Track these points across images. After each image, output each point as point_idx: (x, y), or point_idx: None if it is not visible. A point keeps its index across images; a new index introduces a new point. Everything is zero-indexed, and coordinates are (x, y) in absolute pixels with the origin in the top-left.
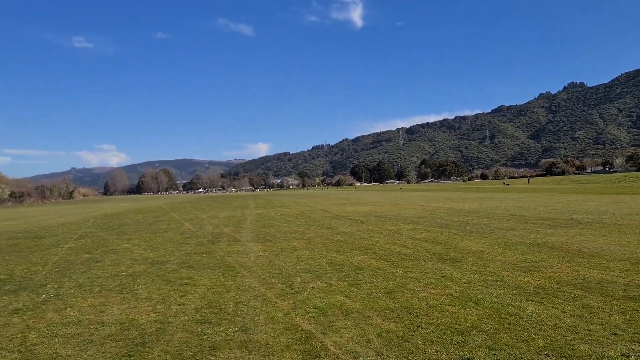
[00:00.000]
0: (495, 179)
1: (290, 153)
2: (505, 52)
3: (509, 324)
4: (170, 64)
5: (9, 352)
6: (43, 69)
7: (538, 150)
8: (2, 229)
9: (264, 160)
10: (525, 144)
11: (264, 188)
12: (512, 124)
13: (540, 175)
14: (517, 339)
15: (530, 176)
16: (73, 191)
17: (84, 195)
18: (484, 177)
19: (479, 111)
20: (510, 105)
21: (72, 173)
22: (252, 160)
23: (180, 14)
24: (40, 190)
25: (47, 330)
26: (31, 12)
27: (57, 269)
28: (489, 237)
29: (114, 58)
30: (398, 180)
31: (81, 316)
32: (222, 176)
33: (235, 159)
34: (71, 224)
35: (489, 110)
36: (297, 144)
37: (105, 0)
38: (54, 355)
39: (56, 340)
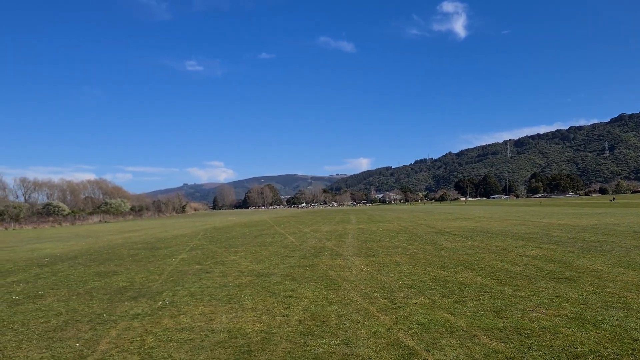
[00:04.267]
0: (617, 193)
1: (392, 167)
2: (625, 55)
3: (633, 350)
4: (273, 82)
5: (129, 353)
6: (159, 93)
7: None
8: (124, 240)
9: (366, 175)
10: None
11: (366, 203)
12: (634, 133)
13: None
14: None
15: None
16: (185, 206)
17: (195, 210)
18: (602, 191)
19: (596, 120)
20: (632, 114)
21: (184, 189)
22: (354, 175)
23: (283, 34)
24: (156, 204)
25: (163, 334)
26: (151, 40)
27: (171, 278)
28: (609, 255)
29: (222, 79)
30: (505, 195)
31: (193, 323)
32: (324, 191)
33: (337, 174)
34: (184, 237)
35: (608, 120)
36: (399, 158)
37: (214, 24)
38: (169, 359)
39: (171, 344)
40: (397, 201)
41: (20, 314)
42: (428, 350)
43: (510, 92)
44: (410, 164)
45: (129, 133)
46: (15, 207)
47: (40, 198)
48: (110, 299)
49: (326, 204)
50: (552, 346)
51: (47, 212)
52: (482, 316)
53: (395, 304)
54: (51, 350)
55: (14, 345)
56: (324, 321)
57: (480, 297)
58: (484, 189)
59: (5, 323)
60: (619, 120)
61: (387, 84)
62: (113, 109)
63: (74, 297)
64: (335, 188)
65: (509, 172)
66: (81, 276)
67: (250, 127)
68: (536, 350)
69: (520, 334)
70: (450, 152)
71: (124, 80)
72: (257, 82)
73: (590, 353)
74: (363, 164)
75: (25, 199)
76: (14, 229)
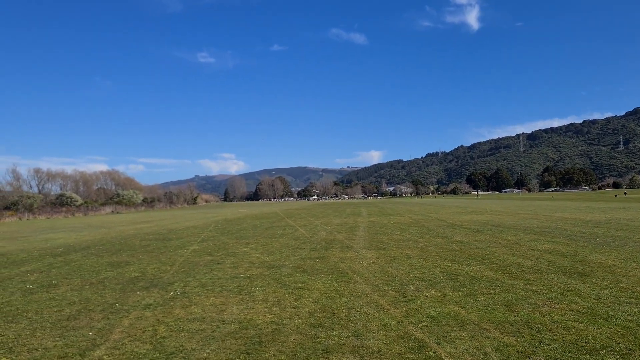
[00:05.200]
0: (631, 187)
1: (404, 160)
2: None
3: None
4: (285, 75)
5: (142, 342)
6: (171, 84)
7: None
8: (137, 231)
9: (377, 167)
10: None
11: (377, 196)
12: None
13: None
14: None
15: None
16: (196, 197)
17: (206, 201)
18: (616, 185)
19: (610, 114)
20: None
21: (196, 180)
22: (365, 167)
23: (294, 26)
24: (168, 196)
25: (175, 324)
26: (163, 31)
27: (183, 269)
28: (623, 250)
29: (233, 71)
30: (518, 188)
31: (204, 313)
32: (335, 184)
33: (348, 167)
34: (195, 228)
35: (623, 113)
36: (411, 151)
37: (226, 16)
38: (181, 348)
39: (182, 334)
40: (408, 194)
41: (34, 302)
42: (438, 343)
43: (524, 85)
44: (422, 157)
45: (141, 124)
46: (29, 198)
47: (54, 189)
48: (122, 289)
49: (337, 196)
50: (563, 340)
51: (60, 203)
52: (493, 310)
53: (405, 297)
54: (64, 338)
55: (28, 333)
56: (334, 313)
57: (492, 291)
58: (496, 182)
59: (19, 311)
60: (634, 113)
61: (398, 76)
62: (125, 100)
63: (87, 287)
64: (346, 181)
65: (521, 165)
66: (94, 266)
67: (261, 119)
68: (547, 345)
69: (532, 328)
70: (462, 146)
71: (135, 72)
72: (269, 74)
73: (602, 348)
74: (374, 157)
75: (38, 189)
76: (27, 219)
